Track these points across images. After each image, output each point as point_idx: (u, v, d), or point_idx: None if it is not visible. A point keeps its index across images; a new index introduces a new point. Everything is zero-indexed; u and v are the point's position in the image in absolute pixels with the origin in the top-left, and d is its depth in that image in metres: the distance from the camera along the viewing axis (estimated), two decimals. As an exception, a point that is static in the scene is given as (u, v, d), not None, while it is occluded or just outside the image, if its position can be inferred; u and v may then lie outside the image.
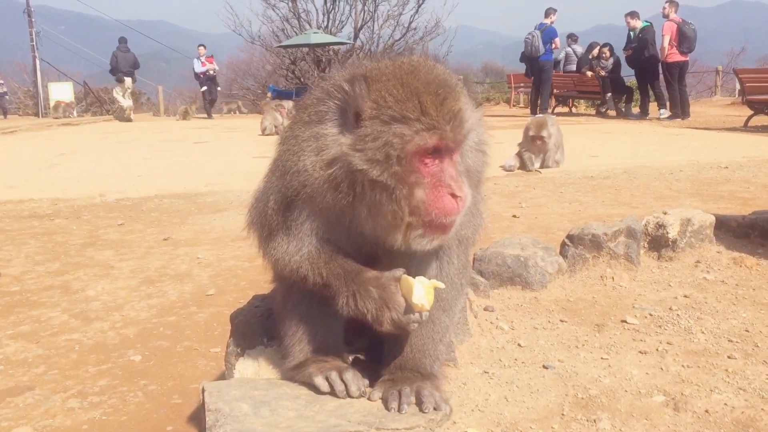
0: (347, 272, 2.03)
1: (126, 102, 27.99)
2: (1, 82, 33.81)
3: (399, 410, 1.95)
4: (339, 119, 1.95)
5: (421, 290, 1.94)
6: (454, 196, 1.90)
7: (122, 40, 27.63)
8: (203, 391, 2.03)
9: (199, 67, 29.02)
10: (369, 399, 2.04)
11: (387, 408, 1.97)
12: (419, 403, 1.99)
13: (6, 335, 4.10)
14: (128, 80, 27.54)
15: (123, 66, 27.22)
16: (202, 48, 29.66)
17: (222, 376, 2.67)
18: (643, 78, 20.90)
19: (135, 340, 4.02)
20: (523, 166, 10.44)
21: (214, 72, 29.44)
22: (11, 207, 8.34)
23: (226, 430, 1.77)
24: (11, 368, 3.64)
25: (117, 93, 28.23)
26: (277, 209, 2.11)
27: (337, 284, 2.02)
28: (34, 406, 3.22)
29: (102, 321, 4.34)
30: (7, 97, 35.02)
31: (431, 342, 2.19)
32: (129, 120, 27.16)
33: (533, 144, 10.36)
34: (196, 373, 3.59)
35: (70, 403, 3.23)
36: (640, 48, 20.20)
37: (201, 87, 29.75)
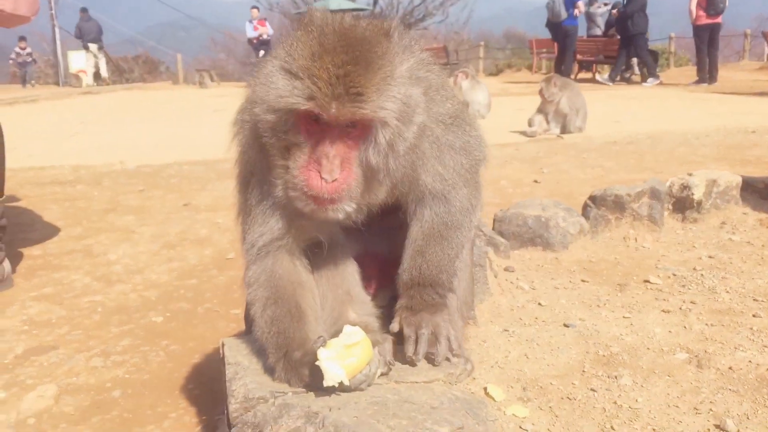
0: (281, 332, 1.95)
1: (90, 69, 29.54)
2: (29, 50, 32.06)
3: (414, 360, 1.96)
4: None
5: (333, 371, 1.76)
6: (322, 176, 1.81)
7: (83, 10, 29.37)
8: (223, 345, 2.04)
9: (251, 32, 26.58)
10: (390, 332, 2.06)
11: (405, 350, 1.98)
12: (434, 343, 2.00)
13: (30, 297, 4.14)
14: (93, 47, 28.54)
15: (87, 35, 28.81)
16: (255, 10, 27.17)
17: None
18: (624, 45, 20.49)
19: (156, 302, 4.05)
20: (531, 124, 10.43)
21: (268, 36, 26.79)
22: (33, 174, 8.40)
23: (246, 382, 1.78)
24: (35, 329, 3.69)
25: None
26: (241, 191, 2.16)
27: (268, 334, 1.97)
28: (58, 364, 3.26)
29: (124, 284, 4.37)
30: (35, 65, 33.35)
31: (446, 258, 2.15)
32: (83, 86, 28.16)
33: (542, 99, 10.31)
34: (217, 334, 3.61)
35: (94, 362, 3.26)
36: (624, 16, 19.96)
37: (256, 53, 26.38)
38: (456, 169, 2.11)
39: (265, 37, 26.57)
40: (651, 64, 20.90)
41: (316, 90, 1.72)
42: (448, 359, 1.99)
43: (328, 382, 1.74)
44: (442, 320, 2.05)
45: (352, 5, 31.08)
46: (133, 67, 36.24)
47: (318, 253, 2.12)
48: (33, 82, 31.37)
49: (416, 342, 1.99)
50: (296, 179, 1.82)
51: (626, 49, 20.52)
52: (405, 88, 1.82)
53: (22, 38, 31.68)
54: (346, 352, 1.75)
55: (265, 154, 1.91)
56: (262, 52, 26.18)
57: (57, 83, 32.70)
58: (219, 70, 33.42)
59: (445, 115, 2.06)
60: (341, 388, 1.75)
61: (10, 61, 32.50)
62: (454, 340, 2.03)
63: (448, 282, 2.13)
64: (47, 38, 36.73)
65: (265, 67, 1.86)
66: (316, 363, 1.75)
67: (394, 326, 2.06)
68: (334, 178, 1.80)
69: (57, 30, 34.42)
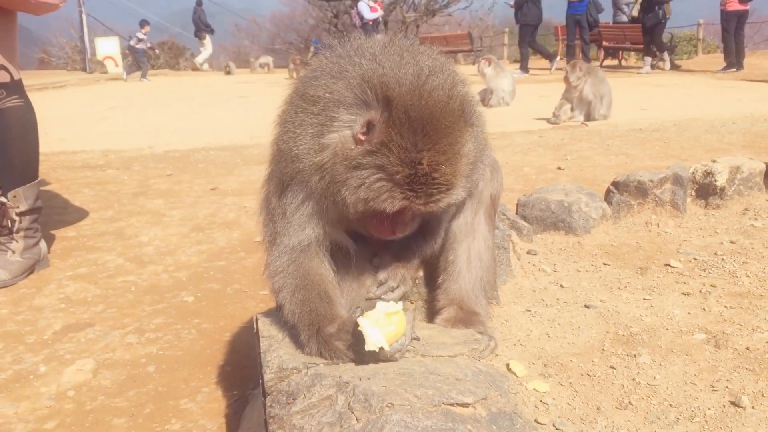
0: (313, 310, 2.03)
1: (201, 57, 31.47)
2: (143, 37, 28.53)
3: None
4: (349, 114, 1.91)
5: (375, 336, 1.83)
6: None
7: (197, 2, 30.82)
8: (257, 320, 2.14)
9: (368, 13, 23.96)
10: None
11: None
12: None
13: (66, 276, 4.29)
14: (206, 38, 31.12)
15: (197, 27, 30.89)
16: None
17: (271, 314, 2.76)
18: (522, 36, 20.60)
19: (187, 282, 4.17)
20: (556, 112, 10.38)
21: (382, 19, 25.45)
22: (64, 158, 8.59)
23: (280, 354, 1.87)
24: (72, 306, 3.82)
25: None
26: (275, 193, 2.18)
27: (299, 314, 2.04)
28: (95, 341, 3.38)
29: (155, 265, 4.50)
30: (148, 50, 29.53)
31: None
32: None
33: (566, 85, 10.29)
34: (246, 313, 3.72)
35: (129, 339, 3.39)
36: (516, 5, 20.17)
37: (371, 34, 24.87)
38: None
39: (380, 20, 25.31)
40: (547, 52, 21.57)
41: (413, 196, 1.84)
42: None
43: (369, 347, 1.81)
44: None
45: (376, -9, 31.04)
46: (159, 54, 36.46)
47: (337, 249, 2.22)
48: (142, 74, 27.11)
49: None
50: (369, 227, 2.04)
51: (529, 36, 20.66)
52: (474, 165, 1.98)
53: (144, 22, 29.14)
54: (387, 320, 1.83)
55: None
56: (378, 36, 24.98)
57: (84, 69, 33.04)
58: (244, 57, 33.62)
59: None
60: (381, 355, 1.83)
61: (128, 50, 29.00)
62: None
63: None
64: (75, 24, 37.03)
65: (339, 132, 1.91)
66: (358, 328, 1.83)
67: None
68: (406, 233, 2.04)
69: (84, 16, 34.72)
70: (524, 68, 20.85)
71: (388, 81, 1.85)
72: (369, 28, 24.26)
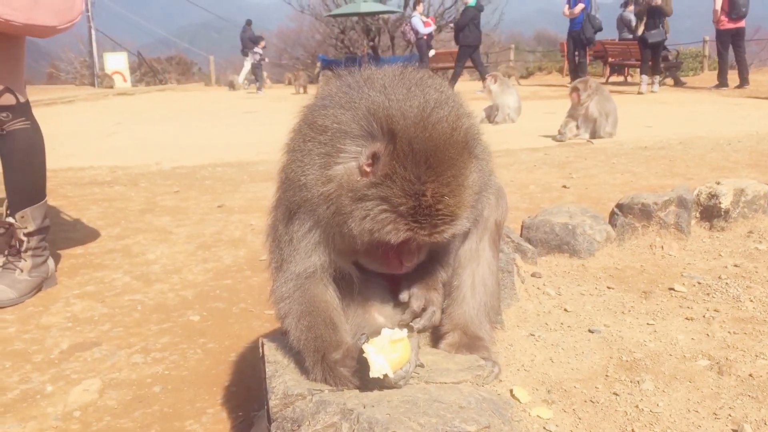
0: (318, 337, 2.04)
1: (241, 76, 31.05)
2: (259, 51, 29.75)
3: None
4: (356, 146, 1.93)
5: (379, 363, 1.86)
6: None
7: (246, 22, 31.33)
8: (262, 345, 2.16)
9: (422, 28, 23.70)
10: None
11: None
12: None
13: (73, 295, 4.31)
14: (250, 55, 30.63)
15: (242, 42, 30.88)
16: (420, 5, 24.78)
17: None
18: (461, 57, 20.88)
19: (193, 301, 4.19)
20: (562, 129, 10.42)
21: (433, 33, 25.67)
22: (72, 174, 8.66)
23: (285, 380, 1.89)
24: (78, 325, 3.85)
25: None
26: (283, 220, 2.19)
27: (304, 340, 2.06)
28: (101, 360, 3.40)
29: (162, 283, 4.52)
30: (263, 61, 30.28)
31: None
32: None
33: (571, 99, 10.33)
34: (252, 333, 3.74)
35: (135, 359, 3.40)
36: (456, 27, 20.45)
37: (423, 54, 23.73)
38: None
39: (432, 33, 25.73)
40: (482, 71, 21.43)
41: (417, 227, 1.85)
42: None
43: (374, 374, 1.82)
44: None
45: (383, 8, 31.31)
46: (167, 68, 36.80)
47: (341, 276, 2.24)
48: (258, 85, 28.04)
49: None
50: (373, 261, 2.07)
51: (466, 57, 20.92)
52: (479, 195, 2.01)
53: (259, 38, 30.54)
54: (391, 347, 1.85)
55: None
56: (433, 52, 25.07)
57: (93, 84, 33.30)
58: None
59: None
60: (385, 382, 1.84)
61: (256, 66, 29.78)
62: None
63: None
64: (83, 40, 37.32)
65: (345, 163, 1.92)
66: (363, 355, 1.84)
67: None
68: (413, 263, 2.06)
69: (93, 31, 35.02)
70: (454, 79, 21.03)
71: (393, 114, 1.87)
72: (422, 42, 24.28)
